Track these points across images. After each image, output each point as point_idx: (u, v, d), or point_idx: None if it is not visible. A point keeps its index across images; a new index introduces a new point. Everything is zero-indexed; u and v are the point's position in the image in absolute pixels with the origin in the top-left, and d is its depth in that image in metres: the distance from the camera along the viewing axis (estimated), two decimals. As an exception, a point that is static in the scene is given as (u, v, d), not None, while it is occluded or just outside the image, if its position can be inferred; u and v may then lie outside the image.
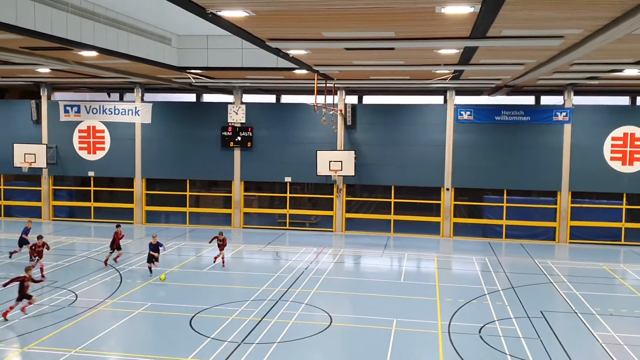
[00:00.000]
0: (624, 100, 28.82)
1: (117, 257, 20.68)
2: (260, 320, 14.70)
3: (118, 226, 21.09)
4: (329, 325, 14.48)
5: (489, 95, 27.72)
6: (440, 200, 27.49)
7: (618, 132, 25.99)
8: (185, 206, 29.83)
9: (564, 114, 26.27)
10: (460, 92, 27.59)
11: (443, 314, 15.51)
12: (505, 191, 27.05)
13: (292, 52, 15.97)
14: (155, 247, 19.20)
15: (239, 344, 13.03)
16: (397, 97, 28.90)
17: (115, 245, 20.45)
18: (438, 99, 28.25)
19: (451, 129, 27.18)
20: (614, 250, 25.00)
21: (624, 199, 26.08)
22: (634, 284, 19.32)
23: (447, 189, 27.28)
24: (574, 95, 26.40)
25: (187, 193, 29.76)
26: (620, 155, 25.95)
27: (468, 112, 27.11)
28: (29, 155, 28.85)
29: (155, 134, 29.44)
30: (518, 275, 20.00)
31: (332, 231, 28.38)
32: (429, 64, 18.55)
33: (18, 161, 28.95)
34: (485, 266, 21.50)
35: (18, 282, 14.55)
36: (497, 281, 19.18)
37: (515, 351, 12.91)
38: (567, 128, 26.30)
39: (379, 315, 15.23)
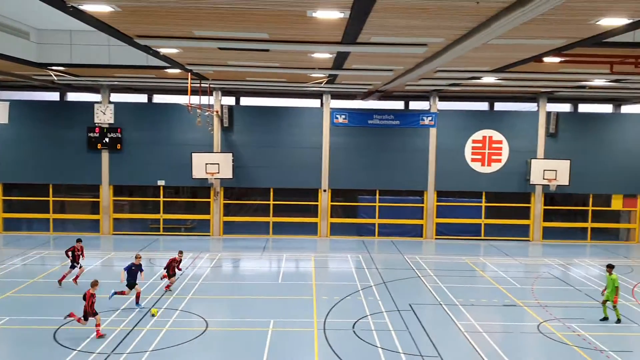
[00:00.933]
0: (484, 106, 31.15)
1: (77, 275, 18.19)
2: (132, 330, 14.07)
3: (79, 240, 18.60)
4: (205, 331, 14.20)
5: (362, 99, 28.72)
6: (317, 201, 28.01)
7: (478, 135, 28.03)
8: (49, 212, 27.83)
9: (429, 118, 27.87)
10: (335, 96, 28.32)
11: (319, 311, 15.80)
12: (377, 191, 28.15)
13: (163, 51, 15.47)
14: (136, 270, 16.23)
15: (109, 355, 12.38)
16: (275, 100, 29.05)
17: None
18: (315, 102, 28.78)
19: (327, 132, 27.81)
20: (475, 245, 26.93)
21: (484, 197, 28.19)
22: (492, 275, 20.91)
23: (324, 190, 27.87)
24: (439, 100, 28.12)
25: (50, 198, 27.78)
26: (480, 157, 28.01)
27: (343, 116, 27.90)
28: None
29: (13, 134, 27.17)
30: (389, 271, 20.88)
31: (209, 235, 27.88)
32: (304, 67, 18.82)
33: None
34: (359, 263, 22.22)
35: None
36: (370, 277, 19.90)
37: (386, 344, 13.46)
38: (433, 132, 27.93)
39: (256, 317, 15.18)
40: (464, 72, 19.09)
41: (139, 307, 15.79)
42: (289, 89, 26.73)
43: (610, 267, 15.70)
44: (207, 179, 26.63)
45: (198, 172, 26.35)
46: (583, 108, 31.46)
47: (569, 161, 27.11)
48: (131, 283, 15.99)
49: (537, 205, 28.15)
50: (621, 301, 16.98)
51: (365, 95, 27.74)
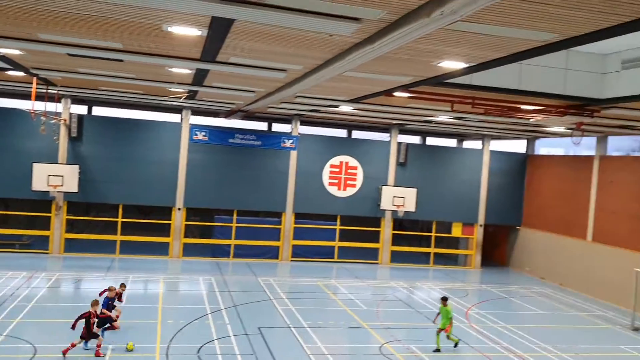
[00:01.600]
0: (342, 133, 32.35)
1: None
2: (-56, 359, 12.51)
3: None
4: (32, 357, 12.99)
5: (225, 117, 28.49)
6: (170, 220, 27.11)
7: (335, 160, 28.97)
8: None
9: (290, 141, 28.34)
10: (197, 112, 27.80)
11: (163, 336, 15.16)
12: (235, 212, 27.90)
13: (3, 51, 14.19)
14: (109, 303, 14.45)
15: None
16: (131, 111, 27.86)
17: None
18: (174, 117, 28.02)
19: (185, 148, 27.14)
20: (329, 267, 27.61)
21: (338, 220, 29.09)
22: (342, 298, 21.52)
23: (179, 209, 27.06)
24: (301, 124, 28.72)
25: None
26: (337, 181, 28.94)
27: (203, 133, 27.43)
28: None
29: None
30: (241, 293, 20.67)
31: (48, 253, 25.72)
32: (162, 81, 18.25)
33: None
34: (211, 286, 21.75)
35: (84, 319, 13.37)
36: (220, 300, 19.54)
37: (232, 369, 13.25)
38: (294, 154, 28.40)
39: (93, 342, 14.17)
40: (323, 99, 19.68)
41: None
42: (146, 102, 25.76)
43: (444, 300, 16.10)
44: (48, 192, 24.63)
45: (39, 184, 24.31)
46: (430, 141, 33.90)
47: (416, 189, 28.91)
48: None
49: (386, 230, 29.60)
50: (456, 323, 18.28)
51: (228, 114, 27.56)
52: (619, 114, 16.55)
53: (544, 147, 31.06)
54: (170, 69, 15.41)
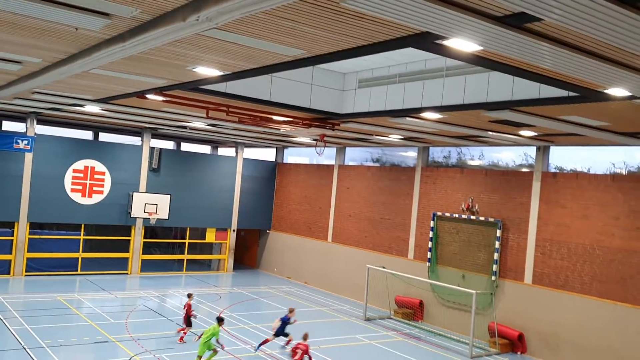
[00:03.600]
0: (88, 135, 30.19)
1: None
2: None
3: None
4: None
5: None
6: None
7: (79, 164, 26.83)
8: None
9: (25, 141, 25.44)
10: None
11: None
12: (-46, 222, 24.04)
13: None
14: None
15: None
16: None
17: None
18: None
19: None
20: (71, 280, 25.45)
21: (82, 229, 26.99)
22: (86, 312, 20.02)
23: None
24: (38, 124, 25.99)
25: None
26: (81, 187, 26.84)
27: None
28: None
29: None
30: (-38, 315, 17.88)
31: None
32: None
33: None
34: None
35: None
36: None
37: (-52, 404, 11.36)
38: (29, 157, 25.55)
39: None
40: (65, 97, 18.15)
41: None
42: None
43: (220, 321, 15.32)
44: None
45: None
46: (185, 146, 33.69)
47: (169, 196, 28.39)
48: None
49: (137, 238, 28.44)
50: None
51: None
52: (355, 128, 18.53)
53: (292, 156, 33.19)
54: None
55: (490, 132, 16.82)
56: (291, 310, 17.09)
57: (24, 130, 25.72)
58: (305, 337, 15.27)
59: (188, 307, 17.53)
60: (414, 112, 14.33)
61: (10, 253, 25.26)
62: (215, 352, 14.90)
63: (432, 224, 22.60)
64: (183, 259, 30.33)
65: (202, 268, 31.19)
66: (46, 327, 17.54)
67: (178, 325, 18.67)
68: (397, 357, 17.34)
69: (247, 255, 33.80)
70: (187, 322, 17.41)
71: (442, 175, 22.98)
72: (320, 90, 15.75)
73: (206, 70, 11.46)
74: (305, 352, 14.77)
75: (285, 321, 16.91)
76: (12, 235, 25.28)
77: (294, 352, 15.02)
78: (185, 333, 17.28)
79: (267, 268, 32.22)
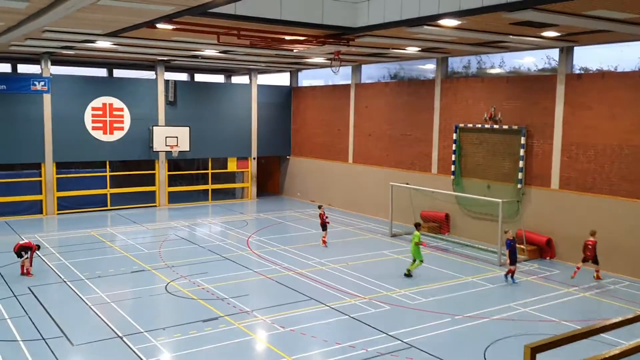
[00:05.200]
0: (102, 72, 30.05)
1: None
2: None
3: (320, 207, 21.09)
4: None
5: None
6: None
7: (97, 102, 26.87)
8: None
9: (42, 83, 25.43)
10: None
11: None
12: (-18, 167, 24.54)
13: None
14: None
15: None
16: None
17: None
18: None
19: None
20: (102, 216, 26.09)
21: (108, 166, 27.38)
22: (120, 244, 20.62)
23: None
24: (53, 64, 25.85)
25: None
26: (101, 124, 26.99)
27: None
28: None
29: None
30: (2, 255, 18.45)
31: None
32: None
33: None
34: (-37, 252, 19.08)
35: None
36: (-22, 266, 17.33)
37: (1, 334, 11.96)
38: (47, 98, 25.62)
39: None
40: (76, 33, 17.88)
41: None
42: None
43: (417, 226, 17.48)
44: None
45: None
46: (199, 77, 33.40)
47: (188, 128, 28.43)
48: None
49: (161, 172, 28.80)
50: (239, 252, 18.92)
51: (-43, 55, 23.58)
52: (371, 42, 18.05)
53: (306, 79, 32.71)
54: None
55: (511, 36, 16.25)
56: (506, 232, 16.97)
57: (39, 72, 25.63)
58: (593, 234, 16.54)
59: (321, 216, 20.68)
60: (431, 19, 13.83)
61: (41, 193, 25.84)
62: (419, 261, 17.00)
63: (454, 136, 22.37)
64: (208, 189, 30.75)
65: (227, 197, 31.64)
66: (83, 260, 18.15)
67: (210, 252, 19.21)
68: (426, 269, 17.67)
69: (270, 182, 34.11)
70: (323, 227, 20.60)
71: (462, 86, 22.51)
72: (333, 4, 15.23)
73: (214, -9, 11.08)
74: (594, 246, 16.34)
75: (510, 244, 16.54)
76: (40, 176, 25.78)
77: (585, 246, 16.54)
78: (324, 237, 20.71)
79: (290, 193, 32.56)
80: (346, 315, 13.53)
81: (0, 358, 10.89)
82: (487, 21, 14.21)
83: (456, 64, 23.52)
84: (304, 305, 14.19)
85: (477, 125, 21.53)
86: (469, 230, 22.08)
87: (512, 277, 16.55)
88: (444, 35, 16.65)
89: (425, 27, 14.73)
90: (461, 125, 22.20)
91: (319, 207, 21.43)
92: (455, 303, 14.61)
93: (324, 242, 20.64)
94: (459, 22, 14.28)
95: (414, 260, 17.02)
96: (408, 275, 16.84)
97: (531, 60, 21.17)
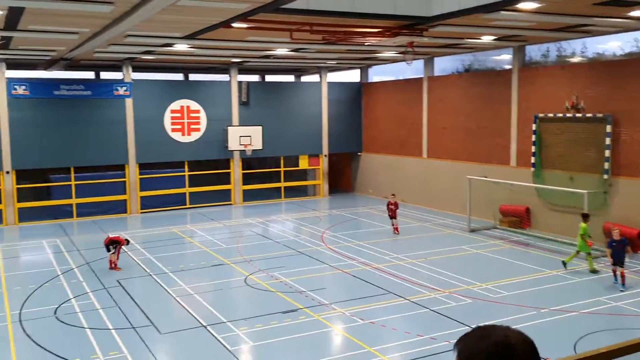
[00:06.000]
0: (179, 77, 31.09)
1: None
2: None
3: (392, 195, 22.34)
4: None
5: (45, 69, 25.90)
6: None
7: (176, 105, 27.83)
8: None
9: (124, 88, 26.61)
10: (12, 65, 24.91)
11: (12, 304, 13.92)
12: (72, 169, 25.92)
13: None
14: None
15: None
16: None
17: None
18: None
19: (4, 105, 24.34)
20: (181, 214, 26.98)
21: (186, 166, 28.31)
22: (200, 240, 21.26)
23: (7, 172, 24.47)
24: (133, 70, 27.00)
25: None
26: (180, 126, 27.94)
27: (23, 87, 24.72)
28: None
29: None
30: (92, 251, 19.45)
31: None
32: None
33: None
34: (57, 248, 20.25)
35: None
36: (70, 260, 18.32)
37: (95, 323, 12.60)
38: (129, 102, 26.78)
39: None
40: (156, 37, 18.59)
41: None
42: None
43: (585, 217, 16.35)
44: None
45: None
46: (270, 78, 33.93)
47: (261, 127, 28.94)
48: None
49: (236, 170, 29.47)
50: (314, 247, 19.04)
51: (48, 65, 25.04)
52: (445, 32, 17.72)
53: (376, 75, 32.54)
54: (-25, 10, 13.49)
55: (595, 19, 15.50)
56: (612, 230, 15.40)
57: (121, 77, 26.84)
58: None
59: (389, 205, 21.74)
60: (508, 3, 13.41)
61: (125, 193, 27.05)
62: (583, 253, 16.22)
63: (534, 127, 21.57)
64: (280, 187, 31.16)
65: (299, 194, 31.94)
66: (166, 255, 18.83)
67: (285, 247, 19.48)
68: (507, 264, 17.15)
69: (341, 179, 34.14)
70: (394, 216, 21.61)
71: (541, 74, 21.70)
72: (405, -6, 15.05)
73: (289, -16, 11.21)
74: None
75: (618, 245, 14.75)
76: (124, 177, 26.98)
77: None
78: (396, 228, 21.74)
79: (362, 190, 32.47)
80: (426, 308, 13.32)
81: (95, 344, 11.46)
82: (569, 3, 13.63)
83: (534, 52, 22.71)
84: (382, 299, 14.10)
85: (558, 115, 20.68)
86: (551, 224, 21.24)
87: (618, 279, 14.70)
88: (522, 21, 16.10)
89: (503, 12, 14.30)
90: (541, 115, 21.39)
91: (392, 195, 22.36)
92: (540, 296, 14.09)
93: (397, 229, 21.63)
94: (539, 5, 13.76)
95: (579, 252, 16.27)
96: (565, 264, 16.27)
97: (616, 45, 20.12)
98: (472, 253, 18.81)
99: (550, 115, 21.00)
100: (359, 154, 32.57)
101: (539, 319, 12.46)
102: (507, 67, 23.58)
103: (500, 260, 17.83)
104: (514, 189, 21.90)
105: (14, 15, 14.05)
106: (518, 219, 22.27)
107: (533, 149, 21.63)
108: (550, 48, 22.19)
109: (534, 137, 21.59)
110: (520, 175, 22.15)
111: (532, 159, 21.72)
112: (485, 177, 22.52)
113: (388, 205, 21.86)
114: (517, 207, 22.31)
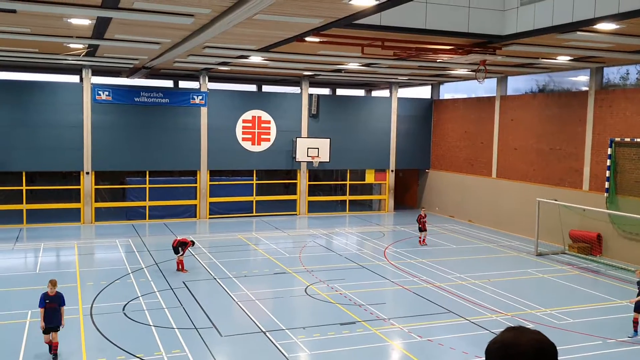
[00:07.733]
0: (252, 88, 31.98)
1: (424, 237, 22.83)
2: None
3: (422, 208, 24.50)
4: None
5: (127, 77, 27.32)
6: (79, 185, 25.94)
7: (248, 115, 28.65)
8: None
9: (200, 97, 27.67)
10: (97, 71, 26.45)
11: (84, 298, 14.75)
12: (147, 172, 27.12)
13: None
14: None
15: None
16: (23, 74, 26.04)
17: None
18: (73, 78, 26.49)
19: (89, 110, 25.84)
20: (248, 221, 27.64)
21: (254, 175, 29.01)
22: (264, 248, 21.71)
23: (87, 173, 25.92)
24: (209, 80, 28.04)
25: None
26: (251, 136, 28.72)
27: (106, 92, 26.19)
28: None
29: None
30: (162, 252, 20.29)
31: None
32: (60, 35, 17.15)
33: None
34: (129, 248, 21.23)
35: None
36: (141, 260, 19.16)
37: (160, 321, 13.14)
38: (204, 111, 27.80)
39: (11, 309, 13.58)
40: (232, 49, 19.29)
41: None
42: (43, 62, 24.14)
43: None
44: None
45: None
46: (340, 92, 34.28)
47: (329, 139, 29.28)
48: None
49: (302, 181, 29.91)
50: (376, 262, 19.07)
51: (130, 72, 26.42)
52: (518, 51, 17.45)
53: (447, 93, 32.25)
54: (68, 20, 14.50)
55: (679, 40, 14.87)
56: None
57: (197, 87, 27.94)
58: None
59: (420, 218, 22.70)
60: (585, 24, 13.09)
61: (195, 199, 28.02)
62: None
63: (609, 151, 20.78)
64: (345, 200, 31.33)
65: (364, 208, 31.99)
66: (231, 260, 19.36)
67: (347, 260, 19.57)
68: (574, 290, 16.57)
69: (407, 196, 33.93)
70: (423, 228, 22.69)
71: (619, 97, 20.90)
72: (479, 12, 14.98)
73: (362, 1, 11.43)
74: None
75: None
76: (196, 183, 27.97)
77: None
78: (424, 240, 22.85)
79: (428, 207, 32.11)
80: (486, 330, 13.08)
81: (159, 341, 11.97)
82: (651, 24, 13.15)
83: (612, 74, 21.93)
84: (442, 318, 13.95)
85: (635, 140, 19.84)
86: (624, 252, 20.31)
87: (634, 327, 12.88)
88: (599, 42, 15.64)
89: (579, 32, 13.96)
90: (617, 139, 20.58)
91: (422, 208, 24.19)
92: (608, 326, 13.53)
93: (424, 241, 22.71)
94: (618, 26, 13.36)
95: None
96: None
97: (703, 68, 19.14)
98: (538, 277, 18.27)
99: (628, 139, 20.17)
100: (426, 170, 32.32)
101: (606, 349, 11.97)
102: (584, 88, 22.86)
103: (567, 286, 17.24)
104: (586, 213, 21.12)
105: (101, 25, 14.99)
106: (588, 245, 21.43)
107: (607, 173, 20.82)
108: (630, 70, 21.36)
109: (609, 162, 20.79)
110: (592, 200, 21.34)
111: (607, 184, 20.90)
112: (555, 200, 21.83)
113: (419, 218, 22.69)
114: (588, 232, 21.49)
